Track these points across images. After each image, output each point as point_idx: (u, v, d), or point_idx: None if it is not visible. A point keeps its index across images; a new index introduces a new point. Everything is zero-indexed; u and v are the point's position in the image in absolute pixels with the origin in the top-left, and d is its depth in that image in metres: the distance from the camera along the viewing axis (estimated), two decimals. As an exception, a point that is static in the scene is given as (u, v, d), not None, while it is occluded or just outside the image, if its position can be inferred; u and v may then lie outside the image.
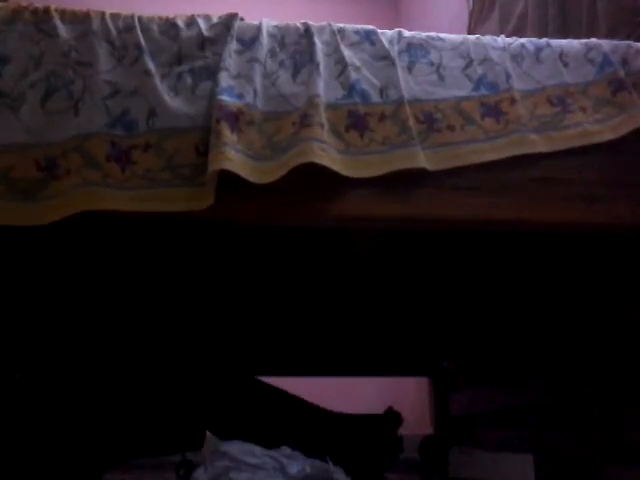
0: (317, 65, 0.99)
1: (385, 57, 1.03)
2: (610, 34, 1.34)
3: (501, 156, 1.00)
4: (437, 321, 1.72)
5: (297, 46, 1.02)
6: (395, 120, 0.98)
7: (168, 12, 1.04)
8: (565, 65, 1.09)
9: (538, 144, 1.02)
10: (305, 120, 0.94)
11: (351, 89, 0.99)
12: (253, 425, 1.33)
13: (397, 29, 1.09)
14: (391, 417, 1.53)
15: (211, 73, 0.97)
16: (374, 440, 1.46)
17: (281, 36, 1.03)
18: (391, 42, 1.05)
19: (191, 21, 1.02)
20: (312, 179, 0.94)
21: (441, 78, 1.04)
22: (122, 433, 1.28)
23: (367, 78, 1.01)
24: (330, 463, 1.13)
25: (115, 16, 0.99)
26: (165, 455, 1.33)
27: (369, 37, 1.05)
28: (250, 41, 1.01)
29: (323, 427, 1.42)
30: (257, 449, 1.13)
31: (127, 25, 0.98)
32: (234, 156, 0.89)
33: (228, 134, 0.90)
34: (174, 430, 1.31)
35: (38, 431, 1.21)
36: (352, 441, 1.39)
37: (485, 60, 1.07)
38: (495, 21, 1.98)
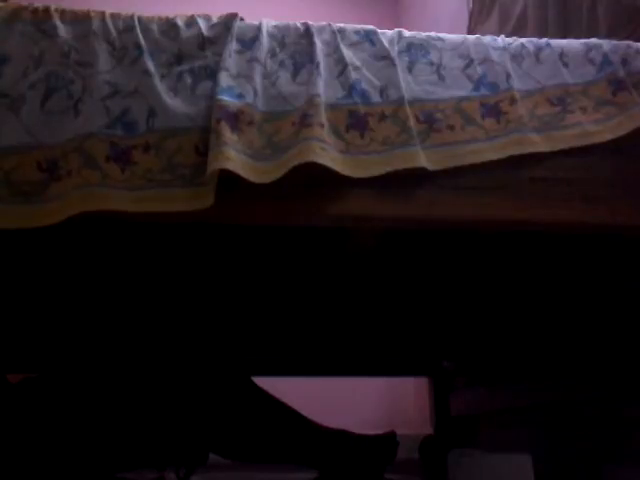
0: (317, 65, 0.99)
1: (385, 57, 1.03)
2: (610, 34, 1.34)
3: (501, 156, 1.00)
4: (437, 321, 1.72)
5: (297, 46, 1.02)
6: (395, 120, 0.98)
7: (168, 12, 1.04)
8: (565, 65, 1.09)
9: (538, 144, 1.02)
10: (305, 120, 0.94)
11: (351, 89, 0.99)
12: (252, 438, 1.32)
13: (397, 29, 1.09)
14: (388, 443, 1.45)
15: (211, 73, 0.97)
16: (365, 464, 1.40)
17: (281, 36, 1.03)
18: (391, 42, 1.05)
19: (191, 21, 1.02)
20: (312, 179, 0.94)
21: (441, 78, 1.04)
22: (126, 446, 1.27)
23: (367, 78, 1.01)
24: None
25: (115, 16, 0.99)
26: (168, 467, 1.32)
27: (369, 37, 1.05)
28: (250, 41, 1.01)
29: (317, 444, 1.39)
30: None
31: (127, 25, 0.98)
32: (234, 156, 0.89)
33: (228, 134, 0.90)
34: (178, 445, 1.30)
35: (44, 437, 1.20)
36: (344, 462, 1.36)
37: (485, 60, 1.07)
38: (495, 21, 1.98)
